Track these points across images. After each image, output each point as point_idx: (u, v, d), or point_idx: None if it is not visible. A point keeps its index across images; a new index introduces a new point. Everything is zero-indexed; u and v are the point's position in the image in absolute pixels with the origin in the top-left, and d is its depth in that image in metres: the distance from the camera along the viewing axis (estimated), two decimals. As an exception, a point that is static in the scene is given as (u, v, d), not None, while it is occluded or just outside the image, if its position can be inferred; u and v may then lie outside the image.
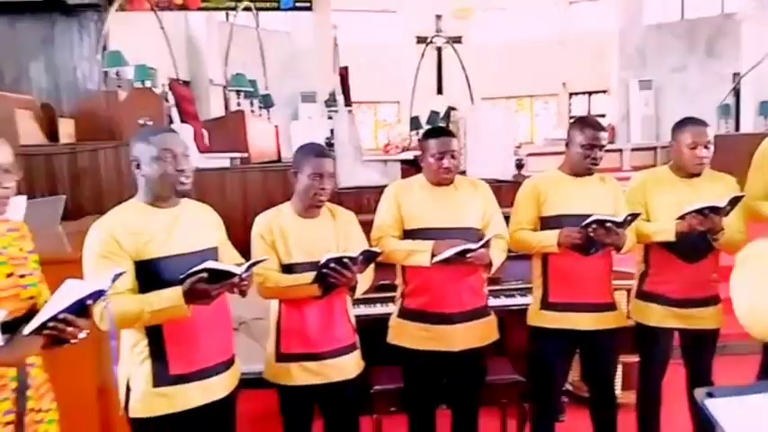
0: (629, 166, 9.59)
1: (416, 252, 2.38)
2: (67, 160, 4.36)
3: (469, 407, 2.58)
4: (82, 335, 1.53)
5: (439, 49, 12.26)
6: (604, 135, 2.53)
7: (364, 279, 2.28)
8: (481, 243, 2.31)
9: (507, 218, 2.64)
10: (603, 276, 2.58)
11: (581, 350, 2.66)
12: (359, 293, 2.31)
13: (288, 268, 2.23)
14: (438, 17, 13.24)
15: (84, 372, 2.09)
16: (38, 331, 1.44)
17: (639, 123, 13.19)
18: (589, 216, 2.38)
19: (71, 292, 1.47)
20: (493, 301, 3.01)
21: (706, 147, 2.52)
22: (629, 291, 2.86)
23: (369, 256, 2.20)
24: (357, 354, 2.37)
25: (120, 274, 1.63)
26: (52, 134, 5.23)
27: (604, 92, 15.25)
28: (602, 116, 15.54)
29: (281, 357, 2.26)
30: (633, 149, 10.24)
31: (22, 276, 1.59)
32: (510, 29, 15.29)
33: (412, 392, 2.57)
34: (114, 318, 1.71)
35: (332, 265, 2.08)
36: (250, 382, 2.19)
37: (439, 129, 2.67)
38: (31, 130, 4.84)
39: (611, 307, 2.58)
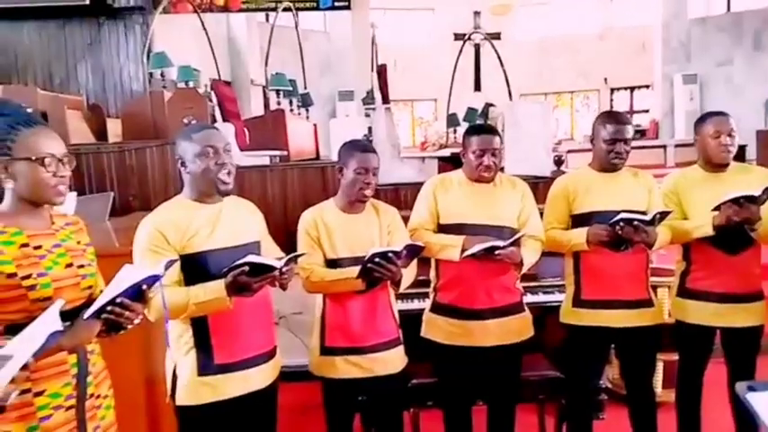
0: (674, 163, 9.37)
1: (448, 246, 2.39)
2: (115, 158, 4.52)
3: (505, 403, 2.57)
4: (137, 320, 1.58)
5: (477, 46, 12.18)
6: (628, 129, 2.49)
7: (408, 273, 2.31)
8: (510, 241, 2.30)
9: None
10: (638, 272, 2.54)
11: (617, 347, 2.64)
12: (403, 288, 2.33)
13: (333, 263, 2.28)
14: (476, 14, 13.16)
15: (132, 361, 2.17)
16: (96, 315, 1.50)
17: (684, 119, 12.85)
18: (618, 212, 2.36)
19: (128, 277, 1.52)
20: (531, 298, 3.00)
21: (730, 135, 2.50)
22: (671, 288, 2.82)
23: (412, 251, 2.22)
24: (401, 348, 2.40)
25: (173, 261, 1.69)
26: (100, 133, 5.42)
27: (647, 87, 14.92)
28: (646, 111, 15.20)
29: (326, 351, 2.31)
30: (677, 145, 10.00)
31: (80, 267, 1.66)
32: (549, 24, 15.08)
33: (444, 387, 2.58)
34: (158, 310, 1.78)
35: (377, 259, 2.11)
36: (290, 375, 2.24)
37: (482, 126, 2.67)
38: (80, 129, 5.03)
39: (647, 303, 2.54)
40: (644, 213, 2.41)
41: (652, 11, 13.92)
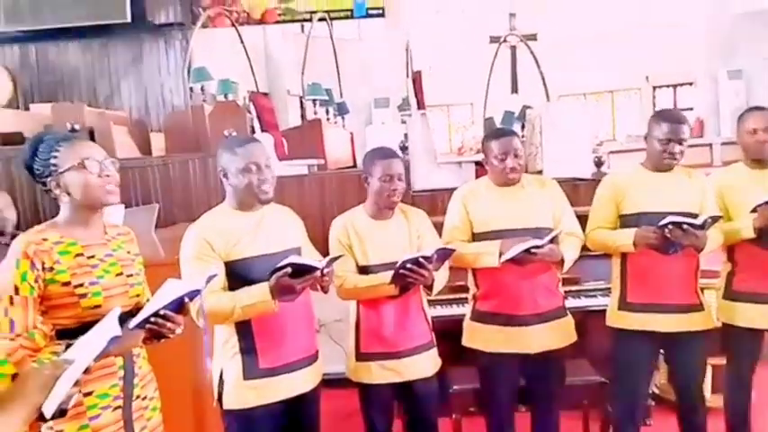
0: (720, 161, 9.09)
1: (484, 254, 2.37)
2: (160, 171, 4.65)
3: (549, 409, 2.55)
4: (178, 330, 1.66)
5: (513, 48, 12.09)
6: (683, 128, 2.42)
7: (440, 277, 2.32)
8: (548, 238, 2.27)
9: (586, 217, 2.59)
10: (688, 276, 2.47)
11: (665, 352, 2.57)
12: (436, 291, 2.34)
13: (365, 270, 2.30)
14: (511, 15, 13.06)
15: (179, 366, 2.23)
16: (141, 325, 1.57)
17: (729, 116, 12.42)
18: (669, 214, 2.31)
19: (171, 290, 1.60)
20: (573, 302, 2.97)
21: (766, 131, 2.46)
22: (718, 290, 2.74)
23: (444, 255, 2.23)
24: (434, 352, 2.40)
25: (214, 276, 1.76)
26: (145, 147, 5.59)
27: (690, 84, 14.52)
28: (690, 109, 14.80)
29: (361, 356, 2.33)
30: (724, 143, 9.69)
31: (129, 276, 1.74)
32: (587, 22, 14.83)
33: (489, 394, 2.57)
34: (208, 314, 1.84)
35: (408, 265, 2.12)
36: (331, 382, 2.27)
37: (500, 129, 2.67)
38: (126, 143, 5.20)
39: (697, 308, 2.46)
40: (696, 216, 2.34)
41: (695, 5, 13.57)
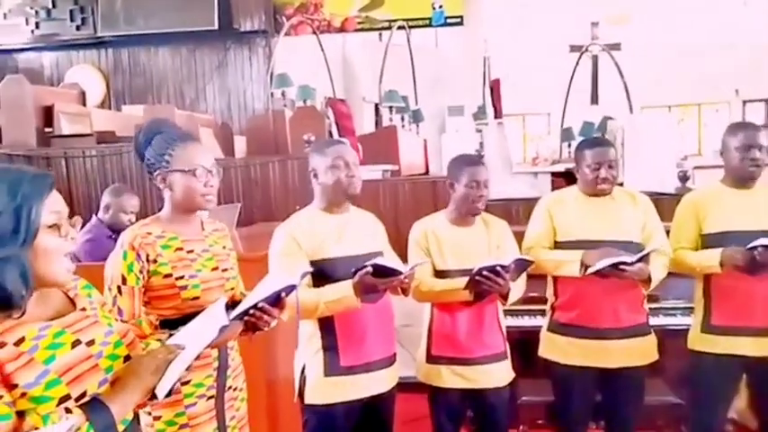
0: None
1: (566, 262, 2.33)
2: (242, 173, 4.84)
3: (624, 429, 2.46)
4: (273, 323, 1.73)
5: (595, 58, 11.79)
6: (761, 134, 2.31)
7: (516, 287, 2.30)
8: (639, 256, 2.19)
9: (668, 233, 2.51)
10: None
11: (748, 378, 2.44)
12: (511, 301, 2.32)
13: (442, 274, 2.32)
14: (594, 24, 12.73)
15: (257, 362, 2.31)
16: (240, 317, 1.65)
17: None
18: (755, 232, 2.19)
19: (269, 285, 1.68)
20: (651, 320, 2.87)
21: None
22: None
23: (521, 265, 2.22)
24: (507, 363, 2.38)
25: (308, 272, 1.83)
26: (228, 149, 5.83)
27: (785, 98, 13.68)
28: (783, 125, 13.93)
29: (432, 359, 2.35)
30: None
31: (224, 270, 1.83)
32: (674, 32, 14.27)
33: (562, 407, 2.51)
34: (292, 309, 1.92)
35: (484, 272, 2.12)
36: (399, 386, 2.30)
37: (595, 139, 2.61)
38: (211, 145, 5.44)
39: None
40: None
41: (790, 15, 12.79)
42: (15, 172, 1.16)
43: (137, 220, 2.26)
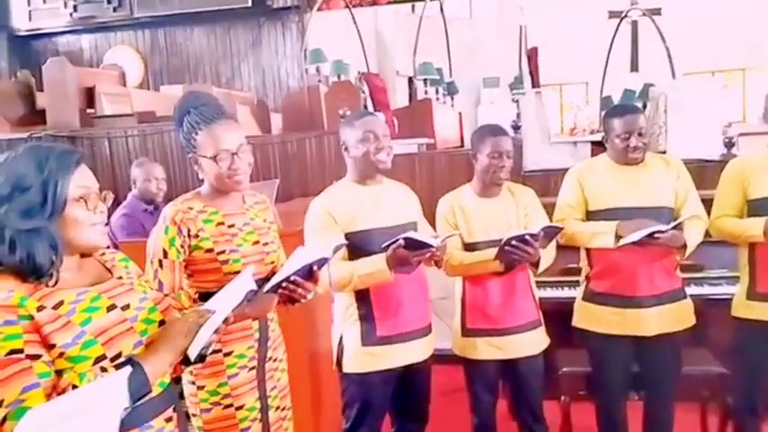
0: None
1: (600, 234, 2.30)
2: (278, 149, 4.89)
3: (664, 397, 2.45)
4: (309, 296, 1.77)
5: (634, 23, 11.42)
6: None
7: (547, 255, 2.29)
8: (673, 224, 2.17)
9: (713, 200, 2.46)
10: None
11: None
12: (542, 269, 2.32)
13: (471, 247, 2.32)
14: (633, -11, 12.31)
15: (299, 333, 2.37)
16: (274, 290, 1.69)
17: None
18: None
19: (301, 258, 1.71)
20: (695, 290, 2.83)
21: None
22: None
23: (550, 232, 2.21)
24: (540, 330, 2.39)
25: (341, 245, 1.86)
26: (265, 126, 5.88)
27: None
28: (834, 89, 13.32)
29: (467, 332, 2.37)
30: None
31: (265, 244, 1.86)
32: (717, -5, 13.70)
33: (599, 378, 2.52)
34: (333, 281, 1.96)
35: (513, 242, 2.12)
36: (436, 358, 2.33)
37: (624, 106, 2.55)
38: (248, 123, 5.50)
39: None
40: None
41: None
42: (44, 149, 1.23)
43: (171, 191, 2.30)
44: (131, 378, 1.15)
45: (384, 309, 2.11)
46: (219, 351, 1.75)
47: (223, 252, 1.76)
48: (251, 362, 1.82)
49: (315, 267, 1.74)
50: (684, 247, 2.26)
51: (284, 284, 1.69)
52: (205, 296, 1.74)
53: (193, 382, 1.78)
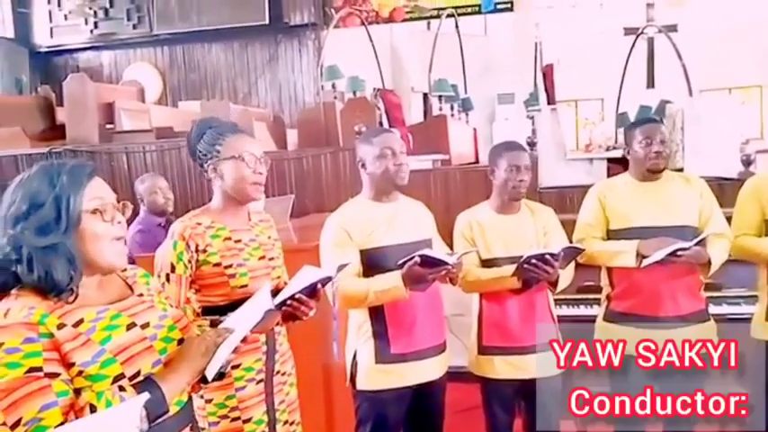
0: None
1: (621, 253, 2.28)
2: (294, 165, 4.92)
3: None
4: (311, 313, 1.78)
5: (650, 40, 11.40)
6: None
7: (565, 275, 2.27)
8: (696, 240, 2.15)
9: (731, 219, 2.43)
10: None
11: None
12: (560, 288, 2.30)
13: (488, 263, 2.31)
14: (649, 5, 12.30)
15: (313, 347, 2.37)
16: (278, 306, 1.71)
17: None
18: None
19: (306, 276, 1.73)
20: (714, 309, 2.79)
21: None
22: None
23: (571, 253, 2.19)
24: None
25: (345, 265, 1.87)
26: (281, 142, 5.93)
27: None
28: None
29: (483, 350, 2.35)
30: None
31: (270, 259, 1.90)
32: (734, 12, 13.64)
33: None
34: (344, 297, 1.96)
35: (533, 261, 2.11)
36: (451, 375, 2.31)
37: (645, 118, 2.56)
38: (264, 138, 5.55)
39: None
40: None
41: None
42: (56, 166, 1.24)
43: (187, 206, 2.32)
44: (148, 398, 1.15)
45: (398, 326, 2.10)
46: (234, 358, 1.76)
47: (230, 266, 1.79)
48: (258, 375, 1.83)
49: (319, 286, 1.76)
50: (709, 264, 2.23)
51: (288, 302, 1.71)
52: (211, 311, 1.78)
53: (201, 395, 1.79)
